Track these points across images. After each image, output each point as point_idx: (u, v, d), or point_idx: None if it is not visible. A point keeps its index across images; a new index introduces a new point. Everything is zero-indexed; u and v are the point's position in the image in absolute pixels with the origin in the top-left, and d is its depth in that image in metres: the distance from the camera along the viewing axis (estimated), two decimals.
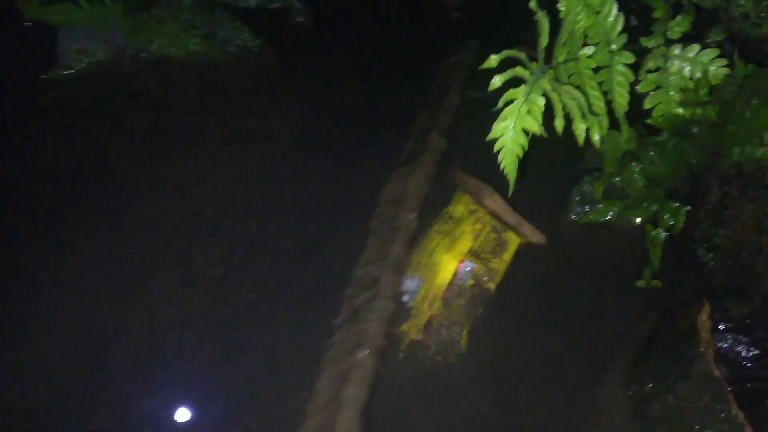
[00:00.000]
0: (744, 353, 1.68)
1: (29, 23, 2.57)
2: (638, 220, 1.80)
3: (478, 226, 1.95)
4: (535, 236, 1.96)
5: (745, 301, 1.68)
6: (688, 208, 1.75)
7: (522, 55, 1.40)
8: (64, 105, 2.49)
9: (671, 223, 1.76)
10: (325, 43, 2.68)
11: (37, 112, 2.46)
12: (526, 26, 1.65)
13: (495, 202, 1.99)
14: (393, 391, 1.61)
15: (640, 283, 1.73)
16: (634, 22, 1.63)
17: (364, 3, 2.85)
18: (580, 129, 1.42)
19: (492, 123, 1.37)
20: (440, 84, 2.34)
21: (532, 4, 1.39)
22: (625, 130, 1.66)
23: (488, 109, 1.43)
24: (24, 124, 2.38)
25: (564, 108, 1.41)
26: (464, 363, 1.69)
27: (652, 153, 1.68)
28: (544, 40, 1.42)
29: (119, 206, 2.08)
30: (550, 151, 2.18)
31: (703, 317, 1.58)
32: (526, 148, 1.34)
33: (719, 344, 1.70)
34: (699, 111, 1.57)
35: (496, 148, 1.36)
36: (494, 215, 1.98)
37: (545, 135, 1.34)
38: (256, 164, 2.23)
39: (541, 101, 1.34)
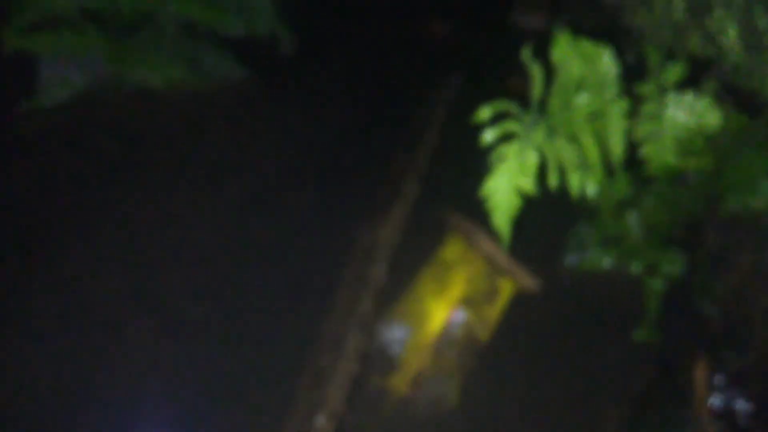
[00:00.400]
0: (741, 408, 1.63)
1: (10, 52, 2.50)
2: (635, 268, 1.75)
3: (471, 271, 1.90)
4: (529, 282, 1.91)
5: (742, 354, 1.63)
6: (686, 256, 1.71)
7: (514, 108, 1.35)
8: (44, 135, 2.41)
9: (669, 272, 1.72)
10: (312, 73, 2.62)
11: (16, 143, 2.38)
12: (515, 61, 1.60)
13: (488, 245, 1.94)
14: None
15: (638, 337, 1.68)
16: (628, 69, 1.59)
17: (351, 33, 2.80)
18: (574, 182, 1.38)
19: (479, 165, 1.33)
20: (419, 124, 2.29)
21: (525, 56, 1.35)
22: (621, 179, 1.62)
23: (474, 146, 1.38)
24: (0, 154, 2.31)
25: (558, 160, 1.36)
26: (455, 419, 1.64)
27: (648, 202, 1.64)
28: (537, 91, 1.37)
29: (93, 247, 2.00)
30: (545, 192, 2.17)
31: (700, 374, 1.54)
32: (520, 207, 1.29)
33: (715, 399, 1.65)
34: (694, 161, 1.53)
35: (489, 205, 1.31)
36: (487, 260, 1.93)
37: (539, 193, 1.29)
38: (237, 201, 2.16)
39: (534, 157, 1.30)
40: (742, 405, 1.62)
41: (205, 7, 2.35)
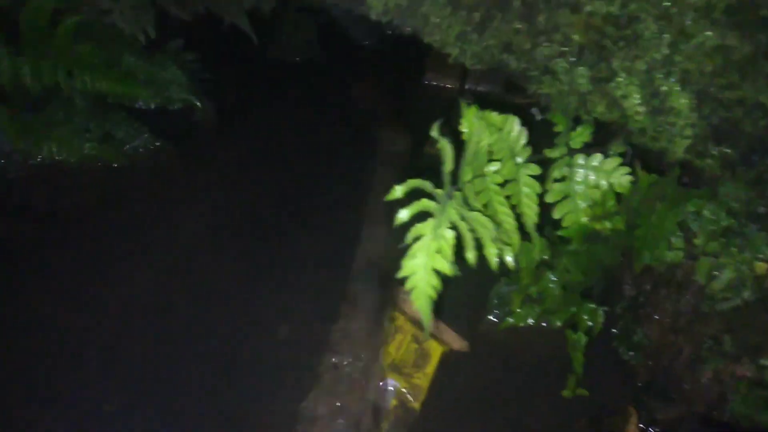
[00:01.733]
0: None
1: None
2: (558, 323, 1.77)
3: (399, 337, 1.87)
4: (458, 343, 1.90)
5: (670, 404, 1.66)
6: (605, 308, 1.73)
7: (426, 185, 1.34)
8: None
9: (590, 324, 1.73)
10: (231, 141, 2.58)
11: None
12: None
13: (414, 308, 1.93)
14: None
15: (566, 393, 1.69)
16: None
17: (272, 100, 2.78)
18: (491, 254, 1.37)
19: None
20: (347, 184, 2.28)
21: (434, 132, 1.35)
22: (537, 242, 1.63)
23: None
24: None
25: (474, 234, 1.35)
26: None
27: (565, 261, 1.66)
28: (448, 165, 1.37)
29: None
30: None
31: (631, 428, 1.55)
32: (439, 288, 1.27)
33: None
34: (607, 223, 1.56)
35: (407, 287, 1.29)
36: (415, 323, 1.91)
37: (458, 273, 1.28)
38: (154, 277, 2.08)
39: (450, 235, 1.29)
40: None
41: (115, 80, 2.27)
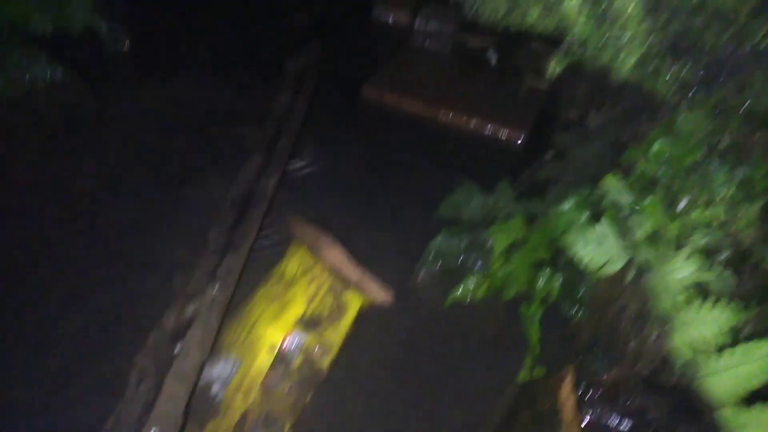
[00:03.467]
0: (616, 425, 1.44)
1: None
2: (511, 295, 1.55)
3: (313, 288, 1.63)
4: (381, 295, 1.67)
5: (614, 365, 1.45)
6: (561, 274, 1.52)
7: None
8: None
9: (544, 294, 1.52)
10: (146, 72, 2.31)
11: None
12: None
13: (335, 254, 1.69)
14: None
15: (522, 376, 1.47)
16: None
17: (190, 26, 2.50)
18: None
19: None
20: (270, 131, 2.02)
21: None
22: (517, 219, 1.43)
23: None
24: None
25: None
26: None
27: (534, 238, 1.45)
28: None
29: None
30: (402, 197, 1.94)
31: (565, 392, 1.33)
32: None
33: (588, 416, 1.45)
34: None
35: None
36: (333, 271, 1.68)
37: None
38: (55, 214, 1.82)
39: None
40: (615, 422, 1.44)
41: (7, 2, 1.98)
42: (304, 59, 2.25)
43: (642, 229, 1.20)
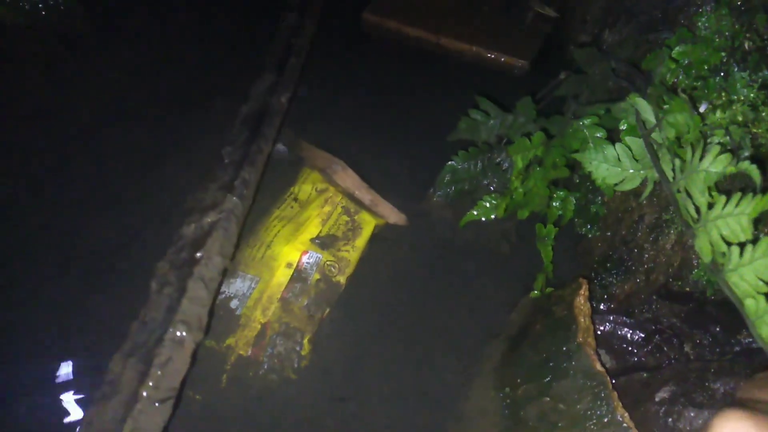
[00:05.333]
0: (629, 337, 1.46)
1: None
2: (525, 214, 1.54)
3: (327, 209, 1.64)
4: (394, 216, 1.68)
5: (627, 277, 1.46)
6: (576, 194, 1.52)
7: None
8: None
9: (560, 213, 1.52)
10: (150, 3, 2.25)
11: None
12: None
13: (347, 178, 1.70)
14: (214, 425, 1.28)
15: (534, 294, 1.47)
16: None
17: None
18: None
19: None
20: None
21: None
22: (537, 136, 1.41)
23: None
24: None
25: None
26: (305, 379, 1.38)
27: (554, 154, 1.43)
28: None
29: None
30: (410, 123, 1.93)
31: (580, 301, 1.35)
32: None
33: (600, 328, 1.48)
34: None
35: None
36: (347, 194, 1.69)
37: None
38: (53, 148, 1.80)
39: None
40: (629, 332, 1.46)
41: None
42: None
43: (666, 134, 1.19)
